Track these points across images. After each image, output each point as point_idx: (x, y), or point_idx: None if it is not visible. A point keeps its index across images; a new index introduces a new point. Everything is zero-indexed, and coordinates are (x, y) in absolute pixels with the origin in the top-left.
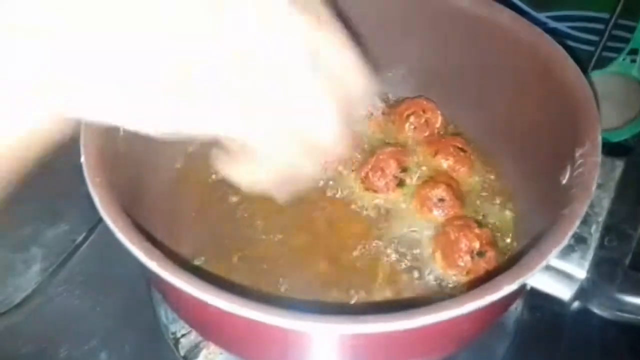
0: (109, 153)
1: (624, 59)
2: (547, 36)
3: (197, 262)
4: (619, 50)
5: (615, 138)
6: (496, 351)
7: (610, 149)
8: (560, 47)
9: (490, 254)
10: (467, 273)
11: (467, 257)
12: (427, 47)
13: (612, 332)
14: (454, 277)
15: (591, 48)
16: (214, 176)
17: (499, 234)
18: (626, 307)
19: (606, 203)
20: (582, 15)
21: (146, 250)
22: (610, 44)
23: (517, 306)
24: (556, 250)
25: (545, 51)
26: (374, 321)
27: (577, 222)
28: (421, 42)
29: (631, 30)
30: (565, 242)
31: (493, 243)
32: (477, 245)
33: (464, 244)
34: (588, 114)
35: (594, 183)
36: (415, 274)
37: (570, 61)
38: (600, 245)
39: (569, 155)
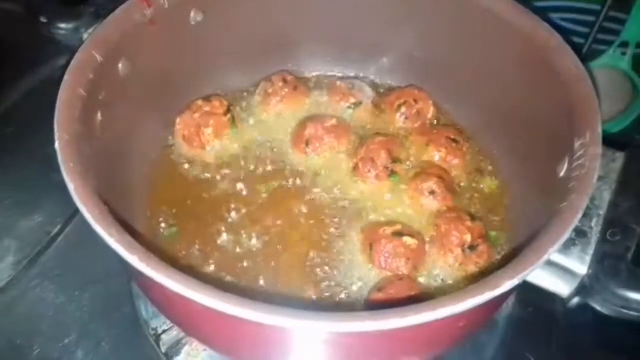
0: (84, 138)
1: (614, 52)
2: (544, 23)
3: (177, 254)
4: (609, 43)
5: (607, 130)
6: (487, 348)
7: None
8: (558, 35)
9: (482, 247)
10: (459, 266)
11: (459, 251)
12: (420, 35)
13: (608, 329)
14: (445, 270)
15: (582, 40)
16: (187, 166)
17: (492, 227)
18: (630, 304)
19: (607, 196)
20: (573, 6)
21: (125, 243)
22: (600, 36)
23: (508, 302)
24: (558, 245)
25: (544, 40)
26: (367, 319)
27: (579, 215)
28: (413, 29)
29: (622, 22)
30: (567, 235)
31: (485, 237)
32: (468, 238)
33: (455, 237)
34: (588, 104)
35: (595, 174)
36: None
37: (570, 50)
38: (602, 240)
39: (568, 147)
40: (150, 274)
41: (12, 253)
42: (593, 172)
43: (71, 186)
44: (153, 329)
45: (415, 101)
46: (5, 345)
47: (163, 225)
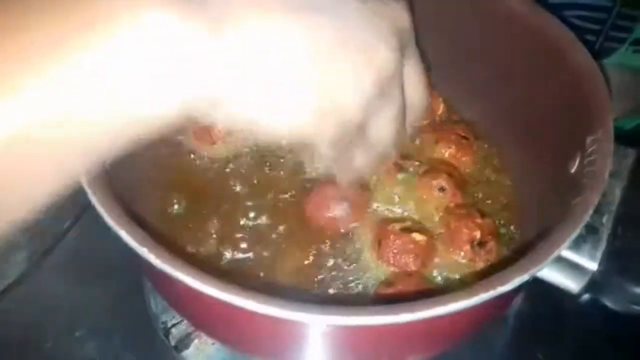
0: None
1: (626, 50)
2: (555, 19)
3: (188, 249)
4: (622, 41)
5: (619, 127)
6: (496, 343)
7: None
8: (569, 31)
9: (492, 244)
10: (468, 263)
11: (467, 247)
12: (429, 29)
13: (618, 325)
14: (454, 267)
15: (593, 38)
16: (197, 162)
17: (502, 224)
18: None
19: (619, 192)
20: (585, 3)
21: (136, 235)
22: (613, 33)
23: (517, 297)
24: (569, 240)
25: (554, 35)
26: (378, 313)
27: (590, 211)
28: (423, 23)
29: (635, 19)
30: (577, 231)
31: (495, 233)
32: (477, 235)
33: (464, 234)
34: (600, 100)
35: (607, 170)
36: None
37: (581, 46)
38: (613, 236)
39: (579, 143)
40: (161, 266)
41: (24, 247)
42: (605, 169)
43: (83, 180)
44: (163, 323)
45: None
46: (18, 339)
47: (172, 216)
